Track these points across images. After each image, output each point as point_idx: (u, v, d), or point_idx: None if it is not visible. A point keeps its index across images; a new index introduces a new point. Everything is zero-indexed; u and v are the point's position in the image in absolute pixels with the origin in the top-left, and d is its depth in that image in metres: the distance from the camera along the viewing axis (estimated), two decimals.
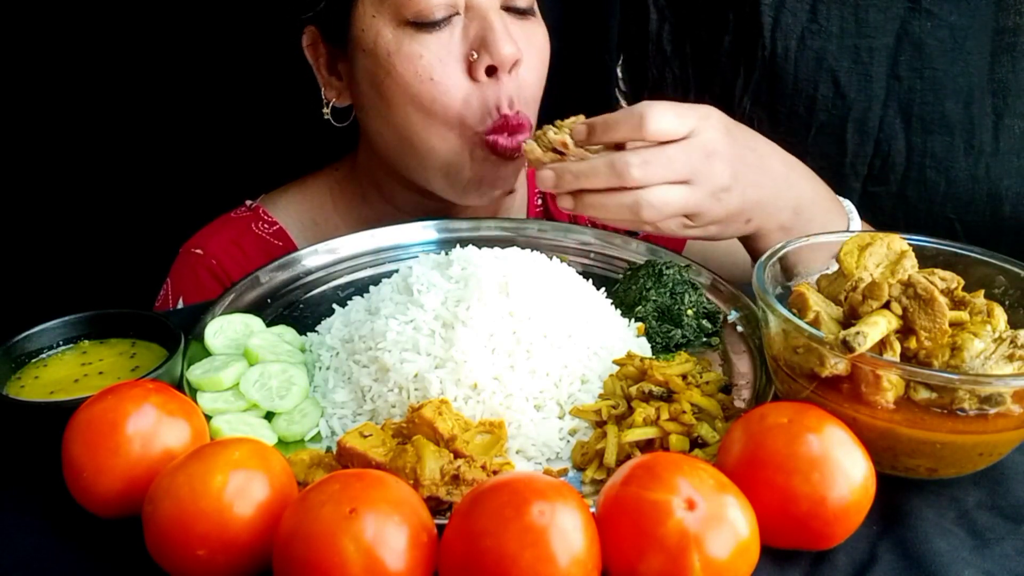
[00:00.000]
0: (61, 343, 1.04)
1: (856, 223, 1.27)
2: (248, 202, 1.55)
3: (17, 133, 1.74)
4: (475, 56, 1.27)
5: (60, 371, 1.00)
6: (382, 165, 1.45)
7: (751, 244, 1.22)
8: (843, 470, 0.78)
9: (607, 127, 1.10)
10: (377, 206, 1.51)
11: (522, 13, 1.33)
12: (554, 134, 1.15)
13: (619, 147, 1.12)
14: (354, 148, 1.53)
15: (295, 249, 1.48)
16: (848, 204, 1.28)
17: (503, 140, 1.30)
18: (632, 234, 1.35)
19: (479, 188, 1.36)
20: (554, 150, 1.16)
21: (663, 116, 1.09)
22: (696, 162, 1.09)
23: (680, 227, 1.13)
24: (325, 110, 1.43)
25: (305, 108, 1.45)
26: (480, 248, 1.14)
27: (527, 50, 1.32)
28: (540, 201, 1.62)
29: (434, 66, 1.27)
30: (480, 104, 1.29)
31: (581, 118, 1.17)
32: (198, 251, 1.46)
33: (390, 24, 1.29)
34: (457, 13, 1.28)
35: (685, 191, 1.09)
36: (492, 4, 1.29)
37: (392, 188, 1.47)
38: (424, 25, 1.27)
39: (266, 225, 1.52)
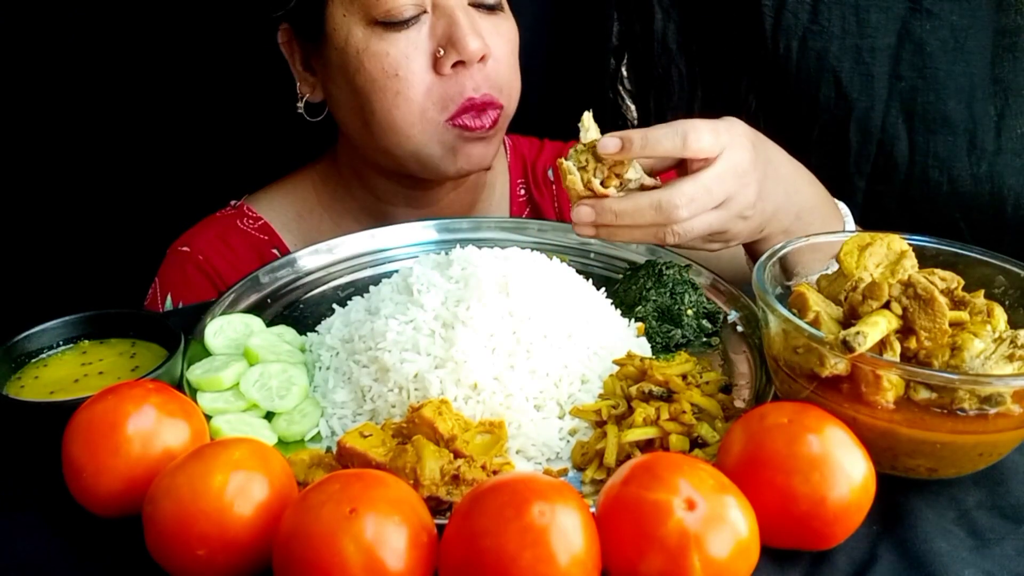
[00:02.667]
0: (61, 343, 1.04)
1: (851, 225, 1.28)
2: (232, 202, 1.57)
3: (17, 134, 1.74)
4: (442, 52, 1.31)
5: (60, 371, 1.00)
6: (360, 156, 1.48)
7: (752, 246, 1.22)
8: (843, 470, 0.78)
9: (646, 142, 1.07)
10: (359, 196, 1.54)
11: (490, 9, 1.36)
12: (597, 172, 1.10)
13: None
14: (334, 144, 1.56)
15: (281, 243, 1.51)
16: (843, 207, 1.29)
17: (470, 121, 1.33)
18: None
19: (454, 165, 1.38)
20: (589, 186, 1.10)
21: (704, 136, 1.07)
22: (730, 186, 1.08)
23: (702, 243, 1.13)
24: (299, 104, 1.45)
25: (288, 109, 1.47)
26: (480, 248, 1.14)
27: (495, 43, 1.35)
28: (523, 191, 1.64)
29: (400, 62, 1.31)
30: (442, 94, 1.32)
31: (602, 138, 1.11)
32: (185, 249, 1.48)
33: (360, 23, 1.32)
34: (425, 12, 1.31)
35: (714, 216, 1.09)
36: (459, 2, 1.32)
37: (372, 177, 1.50)
38: (392, 24, 1.30)
39: (251, 221, 1.54)
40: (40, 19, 1.69)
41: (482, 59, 1.33)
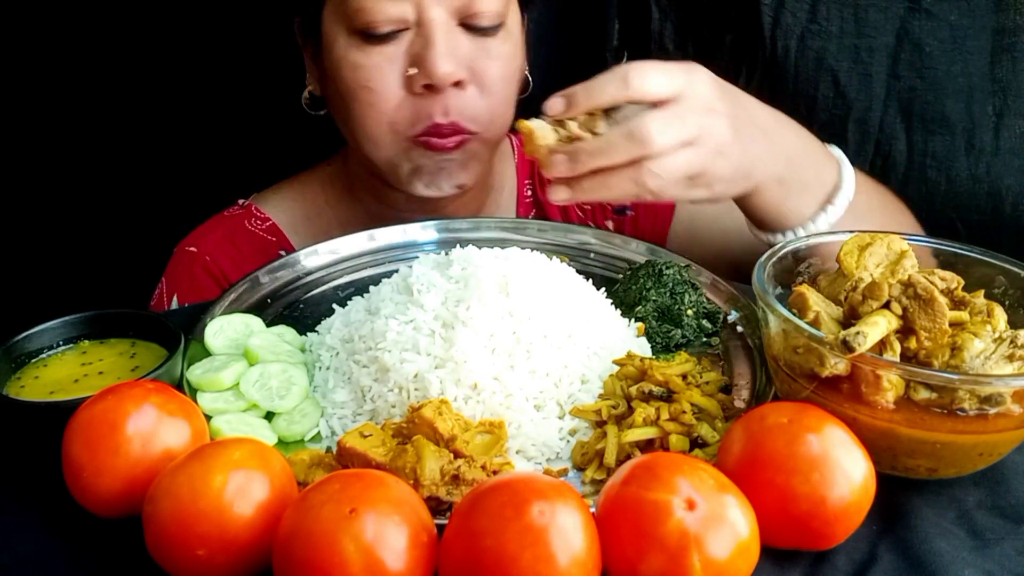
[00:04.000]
0: (61, 343, 1.04)
1: (848, 169, 1.22)
2: (241, 201, 1.56)
3: (20, 134, 1.74)
4: (413, 71, 1.28)
5: (60, 371, 1.00)
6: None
7: (750, 202, 1.18)
8: (843, 470, 0.78)
9: (589, 93, 1.03)
10: (366, 200, 1.53)
11: (483, 31, 1.31)
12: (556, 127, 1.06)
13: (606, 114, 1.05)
14: (344, 144, 1.54)
15: (289, 244, 1.50)
16: (837, 151, 1.25)
17: (436, 140, 1.32)
18: (621, 210, 1.33)
19: (421, 179, 1.37)
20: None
21: (649, 74, 1.04)
22: (700, 119, 1.05)
23: (684, 190, 1.08)
24: (304, 94, 1.45)
25: (296, 107, 1.47)
26: (480, 248, 1.14)
27: (483, 67, 1.31)
28: (530, 192, 1.63)
29: (372, 75, 1.30)
30: (412, 112, 1.31)
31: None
32: (192, 249, 1.47)
33: (344, 31, 1.31)
34: (407, 28, 1.29)
35: (690, 153, 1.05)
36: (443, 21, 1.27)
37: (374, 182, 1.48)
38: (372, 37, 1.29)
39: (259, 221, 1.53)
40: (43, 19, 1.69)
41: (458, 84, 1.29)
